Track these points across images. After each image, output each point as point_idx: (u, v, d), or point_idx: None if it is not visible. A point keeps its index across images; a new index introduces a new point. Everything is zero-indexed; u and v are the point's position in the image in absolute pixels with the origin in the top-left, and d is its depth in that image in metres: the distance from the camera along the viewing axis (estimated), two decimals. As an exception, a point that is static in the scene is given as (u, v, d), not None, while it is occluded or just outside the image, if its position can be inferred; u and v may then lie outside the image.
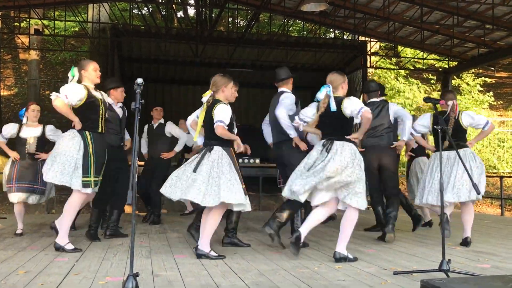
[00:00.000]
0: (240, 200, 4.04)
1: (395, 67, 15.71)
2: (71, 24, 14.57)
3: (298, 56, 12.13)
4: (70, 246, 4.45)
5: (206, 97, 4.36)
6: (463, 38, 10.44)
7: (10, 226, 6.57)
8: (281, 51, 11.73)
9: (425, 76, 17.20)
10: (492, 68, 14.70)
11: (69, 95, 4.39)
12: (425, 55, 12.64)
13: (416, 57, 13.45)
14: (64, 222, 4.48)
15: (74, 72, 4.56)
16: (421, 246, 5.05)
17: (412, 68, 15.47)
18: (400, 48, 13.04)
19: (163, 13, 13.70)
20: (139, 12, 15.43)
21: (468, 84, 16.57)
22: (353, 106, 4.08)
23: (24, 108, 5.95)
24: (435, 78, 16.83)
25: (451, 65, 12.28)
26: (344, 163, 3.94)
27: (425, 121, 5.17)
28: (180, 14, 18.57)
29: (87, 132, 4.47)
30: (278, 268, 3.82)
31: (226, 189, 4.00)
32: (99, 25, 11.51)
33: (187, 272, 3.63)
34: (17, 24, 12.27)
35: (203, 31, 10.49)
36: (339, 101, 4.12)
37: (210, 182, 4.04)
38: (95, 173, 4.45)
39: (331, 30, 13.46)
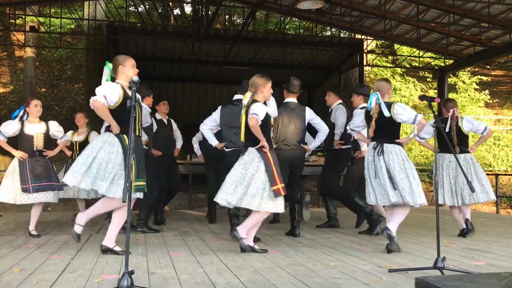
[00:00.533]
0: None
1: (392, 65, 15.72)
2: (67, 22, 14.51)
3: (294, 54, 12.12)
4: (118, 248, 4.24)
5: (246, 99, 4.43)
6: (459, 36, 10.46)
7: (5, 224, 6.56)
8: (277, 49, 11.71)
9: (421, 74, 17.22)
10: (488, 67, 14.71)
11: (108, 96, 4.01)
12: (421, 53, 12.66)
13: (412, 55, 13.47)
14: (114, 229, 4.20)
15: (109, 66, 4.24)
16: (416, 244, 5.07)
17: (408, 66, 15.48)
18: (396, 46, 13.04)
19: (160, 11, 13.68)
20: (136, 10, 15.40)
21: (464, 82, 16.60)
22: (409, 114, 4.44)
23: (21, 108, 5.60)
24: (431, 76, 16.86)
25: (447, 63, 12.30)
26: (401, 164, 4.40)
27: (428, 129, 5.37)
28: (176, 11, 18.53)
29: (124, 136, 4.06)
30: (273, 265, 3.82)
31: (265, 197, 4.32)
32: (95, 23, 11.47)
33: (183, 270, 3.63)
34: (13, 21, 12.21)
35: (199, 28, 10.47)
36: (388, 106, 4.46)
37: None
38: (141, 177, 4.15)
39: (328, 28, 13.43)
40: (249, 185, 4.24)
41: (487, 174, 5.82)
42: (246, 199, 4.24)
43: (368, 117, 4.69)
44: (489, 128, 5.48)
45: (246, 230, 4.37)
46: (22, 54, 16.69)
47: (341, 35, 13.69)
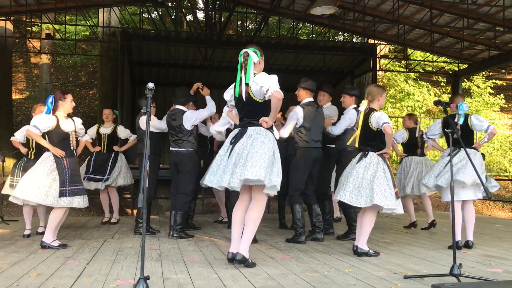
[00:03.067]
0: (390, 204, 4.34)
1: (405, 70, 15.65)
2: (82, 28, 14.68)
3: (307, 59, 12.12)
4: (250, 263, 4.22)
5: (363, 106, 4.64)
6: (474, 40, 10.38)
7: (21, 228, 6.63)
8: (290, 54, 11.73)
9: (435, 79, 17.10)
10: (503, 70, 14.58)
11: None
12: (435, 58, 12.58)
13: (426, 59, 13.39)
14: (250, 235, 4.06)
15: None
16: (431, 249, 5.02)
17: (421, 70, 15.38)
18: (409, 50, 12.98)
19: (173, 17, 13.78)
20: (149, 16, 15.54)
21: (478, 87, 16.45)
22: (482, 124, 5.10)
23: (52, 96, 5.11)
24: (445, 80, 16.73)
25: (461, 68, 12.21)
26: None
27: (435, 131, 5.42)
28: (189, 17, 18.65)
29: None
30: (288, 272, 3.82)
31: (379, 193, 4.32)
32: (110, 29, 11.59)
33: (197, 276, 3.64)
34: (29, 28, 12.41)
35: (212, 34, 10.53)
36: (466, 116, 4.88)
37: (362, 185, 4.41)
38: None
39: (340, 33, 13.43)
40: (373, 186, 4.36)
41: (503, 180, 5.74)
42: (377, 198, 4.31)
43: (445, 125, 5.01)
44: (493, 127, 5.28)
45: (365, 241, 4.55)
46: (37, 61, 16.93)
47: (354, 40, 13.64)
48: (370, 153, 4.51)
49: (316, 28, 13.80)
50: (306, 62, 12.26)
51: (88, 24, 10.83)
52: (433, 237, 6.04)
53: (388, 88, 15.76)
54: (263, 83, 3.91)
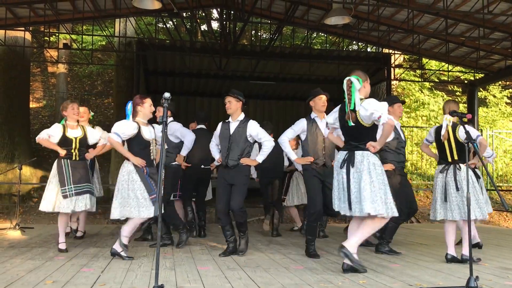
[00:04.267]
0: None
1: (420, 80, 15.56)
2: (98, 38, 14.91)
3: (321, 68, 12.13)
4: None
5: (449, 121, 4.83)
6: (490, 50, 10.30)
7: (37, 235, 6.70)
8: (304, 64, 11.76)
9: (450, 88, 16.97)
10: (520, 80, 14.45)
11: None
12: (450, 67, 12.49)
13: (441, 69, 13.31)
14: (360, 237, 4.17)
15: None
16: (446, 261, 4.95)
17: (437, 80, 15.28)
18: (424, 60, 12.91)
19: (188, 27, 13.92)
20: (164, 26, 15.70)
21: (494, 96, 16.28)
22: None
23: (130, 102, 4.83)
24: (460, 90, 16.59)
25: (477, 77, 12.10)
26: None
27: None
28: (204, 27, 18.82)
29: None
30: (301, 282, 3.80)
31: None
32: (125, 39, 11.75)
33: (211, 285, 3.64)
34: (47, 38, 12.63)
35: (226, 44, 10.61)
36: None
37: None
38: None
39: (354, 42, 13.41)
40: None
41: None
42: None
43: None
44: (482, 137, 5.01)
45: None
46: (54, 70, 17.19)
47: (368, 50, 13.62)
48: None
49: (330, 37, 13.81)
50: (320, 71, 12.27)
51: (104, 34, 10.99)
52: (443, 248, 5.95)
53: (403, 97, 15.67)
54: (374, 110, 4.04)
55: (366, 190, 3.98)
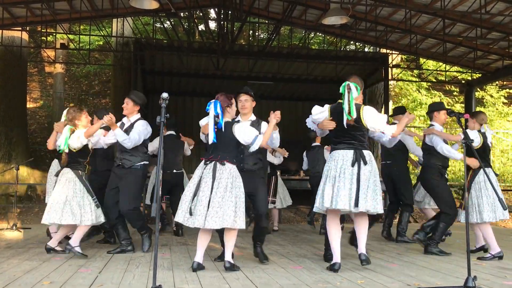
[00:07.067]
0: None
1: (417, 80, 15.58)
2: (96, 38, 14.86)
3: (318, 68, 12.13)
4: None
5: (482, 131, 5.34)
6: (487, 50, 10.31)
7: (34, 236, 6.68)
8: (301, 64, 11.76)
9: (447, 88, 16.98)
10: (517, 80, 14.48)
11: None
12: (447, 67, 12.50)
13: (438, 69, 13.32)
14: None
15: None
16: (445, 261, 4.96)
17: (434, 80, 15.29)
18: (422, 60, 12.92)
19: (185, 27, 13.90)
20: (162, 26, 15.68)
21: (492, 96, 16.30)
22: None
23: (217, 103, 4.30)
24: (457, 90, 16.60)
25: (475, 77, 12.12)
26: None
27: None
28: (201, 27, 18.79)
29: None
30: (299, 282, 3.79)
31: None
32: (123, 39, 11.72)
33: (209, 285, 3.63)
34: (44, 38, 12.60)
35: (224, 44, 10.60)
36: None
37: None
38: None
39: (352, 42, 13.43)
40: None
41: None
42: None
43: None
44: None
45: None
46: (51, 70, 17.14)
47: (366, 50, 13.63)
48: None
49: (328, 37, 13.82)
50: (317, 71, 12.26)
51: (102, 34, 10.97)
52: (447, 249, 5.95)
53: (400, 97, 15.69)
54: (375, 124, 4.27)
55: (370, 188, 4.17)
